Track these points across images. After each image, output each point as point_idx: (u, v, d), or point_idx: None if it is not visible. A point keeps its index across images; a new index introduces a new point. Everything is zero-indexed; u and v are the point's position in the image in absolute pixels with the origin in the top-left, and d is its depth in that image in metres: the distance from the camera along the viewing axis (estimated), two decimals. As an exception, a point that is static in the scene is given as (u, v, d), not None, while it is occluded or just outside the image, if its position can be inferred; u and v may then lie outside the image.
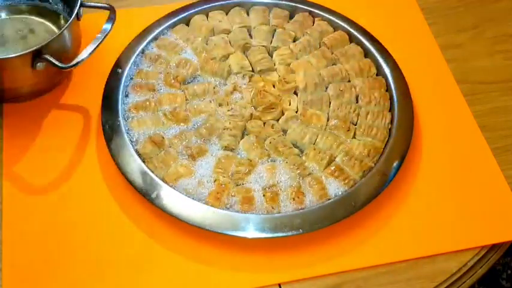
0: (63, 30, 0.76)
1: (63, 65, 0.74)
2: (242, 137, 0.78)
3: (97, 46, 0.75)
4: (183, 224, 0.69)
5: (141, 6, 0.95)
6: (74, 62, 0.74)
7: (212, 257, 0.69)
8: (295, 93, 0.83)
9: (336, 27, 0.90)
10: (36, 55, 0.73)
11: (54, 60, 0.73)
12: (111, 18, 0.78)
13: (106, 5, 0.79)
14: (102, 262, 0.69)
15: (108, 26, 0.77)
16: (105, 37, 0.76)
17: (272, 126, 0.79)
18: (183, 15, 0.90)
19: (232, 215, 0.69)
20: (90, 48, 0.75)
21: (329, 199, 0.71)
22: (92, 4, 0.80)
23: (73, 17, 0.77)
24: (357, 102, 0.82)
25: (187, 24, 0.90)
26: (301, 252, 0.70)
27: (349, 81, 0.84)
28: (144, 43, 0.86)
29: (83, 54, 0.74)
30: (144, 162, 0.73)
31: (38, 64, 0.74)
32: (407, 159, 0.76)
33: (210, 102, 0.81)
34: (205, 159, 0.75)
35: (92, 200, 0.74)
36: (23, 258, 0.69)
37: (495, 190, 0.77)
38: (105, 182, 0.75)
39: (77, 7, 0.78)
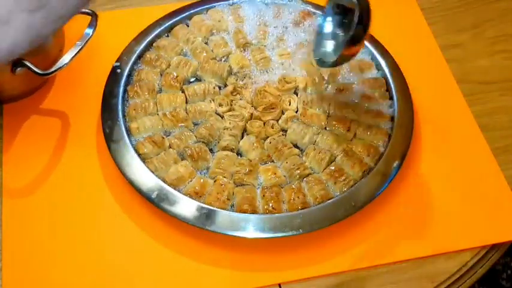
0: None
1: (42, 72, 0.73)
2: (242, 137, 0.78)
3: (77, 53, 0.74)
4: (183, 224, 0.69)
5: (141, 6, 0.95)
6: (53, 68, 0.73)
7: (212, 257, 0.69)
8: (295, 93, 0.83)
9: (336, 27, 0.90)
10: (15, 61, 0.72)
11: (33, 67, 0.72)
12: (92, 24, 0.76)
13: (88, 11, 0.78)
14: (102, 262, 0.69)
15: (89, 32, 0.76)
16: (85, 43, 0.75)
17: (272, 126, 0.79)
18: (183, 15, 0.89)
19: (232, 215, 0.69)
20: (69, 55, 0.74)
21: (329, 199, 0.71)
22: None
23: None
24: (357, 102, 0.82)
25: (187, 24, 0.90)
26: (301, 252, 0.70)
27: (349, 80, 0.84)
28: (144, 43, 0.86)
29: (63, 60, 0.73)
30: (144, 162, 0.73)
31: (18, 69, 0.72)
32: (407, 159, 0.76)
33: (210, 102, 0.81)
34: (205, 159, 0.75)
35: (92, 200, 0.74)
36: (23, 258, 0.69)
37: (495, 190, 0.77)
38: (105, 182, 0.75)
39: None
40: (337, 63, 0.70)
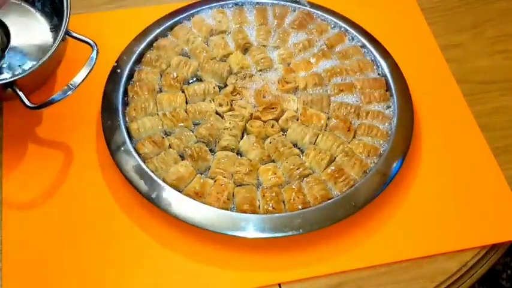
0: (40, 64, 0.71)
1: (32, 105, 0.70)
2: (242, 137, 0.78)
3: (69, 94, 0.71)
4: (183, 224, 0.69)
5: (141, 6, 0.95)
6: (44, 102, 0.70)
7: (212, 257, 0.69)
8: (295, 93, 0.83)
9: (335, 27, 0.90)
10: (7, 86, 0.69)
11: (24, 98, 0.69)
12: (90, 63, 0.73)
13: (89, 41, 0.75)
14: (102, 261, 0.69)
15: (85, 71, 0.72)
16: (80, 83, 0.72)
17: (272, 126, 0.79)
18: (183, 15, 0.89)
19: (232, 215, 0.69)
20: (60, 96, 0.71)
21: (329, 199, 0.71)
22: (77, 36, 0.75)
23: (52, 50, 0.72)
24: (357, 102, 0.82)
25: (188, 25, 0.90)
26: (301, 252, 0.70)
27: (349, 80, 0.84)
28: (144, 43, 0.86)
29: (56, 96, 0.70)
30: (144, 162, 0.73)
31: (8, 90, 0.70)
32: (407, 159, 0.76)
33: (210, 102, 0.81)
34: (205, 159, 0.75)
35: (92, 200, 0.74)
36: (23, 258, 0.69)
37: (495, 190, 0.77)
38: (105, 182, 0.75)
39: (62, 34, 0.73)
40: None
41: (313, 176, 0.74)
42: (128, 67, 0.83)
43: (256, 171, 0.74)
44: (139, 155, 0.74)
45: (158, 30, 0.87)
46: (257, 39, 0.88)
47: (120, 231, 0.71)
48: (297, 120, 0.79)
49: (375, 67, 0.85)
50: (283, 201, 0.72)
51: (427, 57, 0.91)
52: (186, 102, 0.81)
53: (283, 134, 0.79)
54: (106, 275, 0.68)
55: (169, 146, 0.76)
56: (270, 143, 0.77)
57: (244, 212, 0.70)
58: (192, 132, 0.78)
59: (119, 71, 0.82)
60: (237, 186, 0.73)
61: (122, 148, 0.74)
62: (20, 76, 0.71)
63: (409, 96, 0.81)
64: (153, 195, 0.70)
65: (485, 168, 0.79)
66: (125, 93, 0.81)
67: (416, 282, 0.69)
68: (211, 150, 0.76)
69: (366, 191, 0.72)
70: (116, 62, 0.83)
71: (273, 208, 0.70)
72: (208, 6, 0.91)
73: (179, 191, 0.71)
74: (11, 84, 0.70)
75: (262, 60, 0.85)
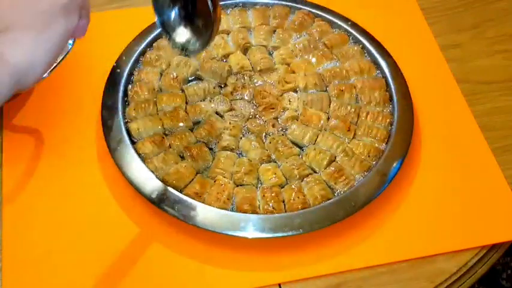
0: None
1: None
2: (242, 137, 0.78)
3: (55, 67, 0.70)
4: (183, 224, 0.69)
5: (142, 6, 0.95)
6: None
7: (212, 257, 0.69)
8: (295, 93, 0.83)
9: (336, 27, 0.90)
10: None
11: None
12: (66, 49, 0.71)
13: None
14: (102, 261, 0.69)
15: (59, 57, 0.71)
16: (65, 56, 0.71)
17: (273, 125, 0.79)
18: (183, 15, 0.89)
19: (232, 215, 0.69)
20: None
21: (329, 199, 0.71)
22: None
23: None
24: (357, 102, 0.82)
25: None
26: (301, 252, 0.70)
27: (349, 81, 0.84)
28: (144, 43, 0.86)
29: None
30: (144, 162, 0.73)
31: None
32: (407, 159, 0.76)
33: (210, 102, 0.81)
34: (205, 159, 0.75)
35: (92, 200, 0.74)
36: (23, 259, 0.69)
37: (495, 190, 0.77)
38: (106, 182, 0.75)
39: None
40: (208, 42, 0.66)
41: (313, 176, 0.74)
42: (127, 67, 0.83)
43: (256, 171, 0.74)
44: (139, 155, 0.74)
45: (158, 30, 0.87)
46: (257, 40, 0.88)
47: (120, 231, 0.71)
48: (297, 120, 0.79)
49: (375, 67, 0.85)
50: (283, 201, 0.72)
51: (427, 57, 0.91)
52: (186, 102, 0.81)
53: (283, 134, 0.79)
54: (105, 275, 0.68)
55: (169, 146, 0.76)
56: (270, 142, 0.77)
57: (244, 212, 0.70)
58: (192, 132, 0.78)
59: (118, 71, 0.82)
60: (237, 186, 0.73)
61: (122, 148, 0.74)
62: None
63: (409, 96, 0.81)
64: (153, 196, 0.70)
65: (485, 168, 0.79)
66: (125, 93, 0.81)
67: (416, 282, 0.69)
68: (211, 150, 0.76)
69: (366, 191, 0.72)
70: (116, 62, 0.83)
71: (273, 208, 0.70)
72: (208, 6, 0.91)
73: (179, 191, 0.71)
74: None
75: (262, 60, 0.85)
